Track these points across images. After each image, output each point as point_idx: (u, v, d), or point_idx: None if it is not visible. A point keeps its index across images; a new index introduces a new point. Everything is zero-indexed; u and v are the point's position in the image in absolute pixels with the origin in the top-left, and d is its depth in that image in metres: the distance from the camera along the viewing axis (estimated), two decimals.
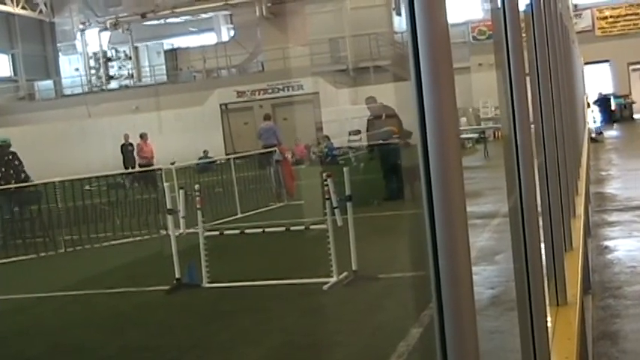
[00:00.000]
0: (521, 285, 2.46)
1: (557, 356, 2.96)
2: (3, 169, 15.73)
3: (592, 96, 36.69)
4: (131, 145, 26.56)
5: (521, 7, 3.71)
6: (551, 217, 3.64)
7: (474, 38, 39.13)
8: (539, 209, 3.72)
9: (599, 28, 40.65)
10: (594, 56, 36.42)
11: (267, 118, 22.74)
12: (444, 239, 1.19)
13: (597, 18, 40.69)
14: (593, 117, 33.33)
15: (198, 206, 10.18)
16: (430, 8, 1.17)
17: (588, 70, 34.65)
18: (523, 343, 2.48)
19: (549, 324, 3.37)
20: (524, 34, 3.74)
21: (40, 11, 47.83)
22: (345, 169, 9.67)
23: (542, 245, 3.73)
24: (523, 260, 2.45)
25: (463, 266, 1.20)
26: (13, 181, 15.52)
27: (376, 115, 16.51)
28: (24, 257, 13.79)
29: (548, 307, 3.63)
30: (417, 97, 1.18)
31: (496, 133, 28.56)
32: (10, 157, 16.00)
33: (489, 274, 8.34)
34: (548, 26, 4.92)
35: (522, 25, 3.91)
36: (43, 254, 13.95)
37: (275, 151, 19.07)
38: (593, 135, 26.92)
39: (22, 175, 15.87)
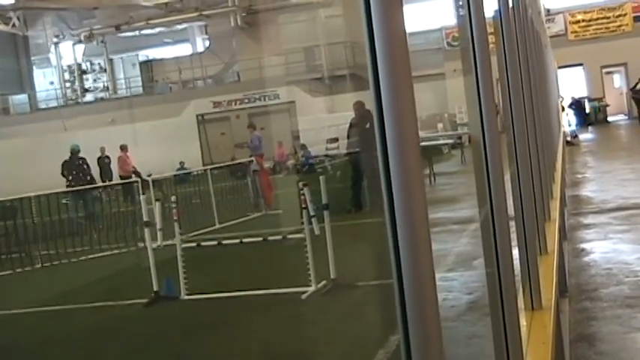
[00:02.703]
0: (494, 290, 2.46)
1: None
2: (74, 172, 18.06)
3: (567, 99, 36.94)
4: (107, 157, 26.40)
5: (490, 13, 3.73)
6: (524, 221, 3.65)
7: (448, 44, 39.27)
8: (513, 214, 3.74)
9: (571, 32, 40.94)
10: (568, 60, 36.71)
11: (252, 127, 22.40)
12: (407, 248, 1.18)
13: (570, 22, 40.98)
14: (568, 120, 33.54)
15: (175, 218, 10.14)
16: (388, 16, 1.17)
17: (562, 73, 34.90)
18: (497, 348, 2.48)
19: (524, 328, 3.38)
20: (493, 41, 3.77)
21: (13, 25, 47.46)
22: (321, 177, 9.67)
23: (516, 250, 3.76)
24: (495, 265, 2.45)
25: (426, 275, 1.19)
26: (83, 183, 17.82)
27: (356, 123, 16.46)
28: (0, 273, 13.66)
29: (523, 312, 3.64)
30: (376, 107, 1.18)
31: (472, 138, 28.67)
32: (81, 161, 18.51)
33: (467, 280, 8.36)
34: (519, 31, 4.94)
35: (491, 30, 3.93)
36: (19, 270, 13.82)
37: (252, 161, 19.03)
38: (569, 138, 27.11)
39: (89, 178, 18.40)
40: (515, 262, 3.77)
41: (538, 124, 6.40)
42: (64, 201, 17.12)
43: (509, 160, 3.66)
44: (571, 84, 39.31)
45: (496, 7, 3.62)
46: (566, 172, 16.11)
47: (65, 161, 18.80)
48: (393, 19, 1.17)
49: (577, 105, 38.67)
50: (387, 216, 1.18)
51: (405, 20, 1.18)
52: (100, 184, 20.15)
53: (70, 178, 18.17)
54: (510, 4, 4.72)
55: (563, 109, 31.66)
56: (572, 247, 9.36)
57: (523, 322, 3.50)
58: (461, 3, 2.48)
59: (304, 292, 8.82)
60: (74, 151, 18.65)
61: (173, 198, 10.65)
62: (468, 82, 2.43)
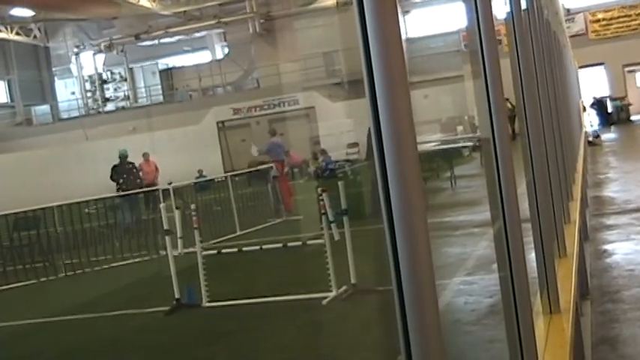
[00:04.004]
0: (507, 294, 2.44)
1: None
2: (124, 176, 18.72)
3: (588, 99, 36.69)
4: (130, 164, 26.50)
5: (503, 15, 3.71)
6: (540, 224, 3.63)
7: (466, 46, 39.14)
8: (529, 217, 3.71)
9: (592, 32, 40.67)
10: (589, 60, 36.46)
11: (273, 133, 22.43)
12: (406, 257, 1.17)
13: (590, 21, 40.72)
14: (590, 120, 33.30)
15: (195, 226, 10.16)
16: (382, 21, 1.16)
17: (583, 73, 34.68)
18: (511, 352, 2.46)
19: (542, 332, 3.35)
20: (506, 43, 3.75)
21: (35, 36, 47.91)
22: (340, 183, 9.65)
23: (533, 253, 3.73)
24: (508, 269, 2.44)
25: (427, 284, 1.18)
26: (133, 186, 18.42)
27: None
28: (24, 283, 13.74)
29: (541, 316, 3.62)
30: (372, 113, 1.17)
31: None
32: (130, 166, 19.19)
33: (487, 283, 8.31)
34: (534, 33, 4.92)
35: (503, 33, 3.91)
36: (43, 279, 13.91)
37: (272, 167, 19.02)
38: (590, 138, 26.91)
39: (138, 181, 19.03)
40: (533, 265, 3.75)
41: (556, 125, 6.36)
42: (86, 210, 17.23)
43: (525, 163, 3.63)
44: (592, 84, 39.04)
45: (508, 10, 3.60)
46: (588, 172, 15.99)
47: (115, 166, 19.33)
48: (387, 26, 1.16)
49: (599, 105, 38.39)
50: (386, 224, 1.17)
51: (399, 26, 1.17)
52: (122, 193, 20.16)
53: (121, 181, 18.81)
54: (524, 6, 4.70)
55: (584, 109, 31.45)
56: (594, 248, 9.28)
57: (541, 325, 3.48)
58: (470, 6, 2.46)
59: (325, 298, 8.81)
60: (123, 156, 19.29)
61: (193, 206, 10.67)
62: (477, 85, 2.42)
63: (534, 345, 2.53)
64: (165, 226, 10.36)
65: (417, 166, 1.16)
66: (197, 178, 27.13)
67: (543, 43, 6.01)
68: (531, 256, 3.79)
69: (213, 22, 44.32)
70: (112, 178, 19.26)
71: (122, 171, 19.07)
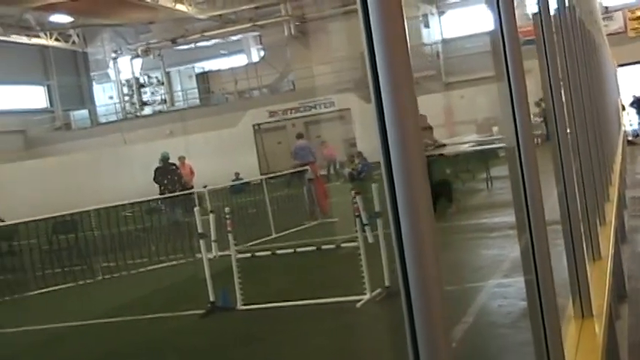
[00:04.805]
0: (533, 298, 2.41)
1: None
2: (168, 177, 19.11)
3: (628, 98, 36.16)
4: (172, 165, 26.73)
5: (530, 15, 3.67)
6: (571, 226, 3.57)
7: None
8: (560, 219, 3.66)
9: (631, 29, 40.10)
10: (628, 58, 35.93)
11: (300, 136, 22.71)
12: (413, 261, 1.15)
13: (629, 19, 40.14)
14: (630, 119, 32.85)
15: (228, 229, 10.20)
16: (388, 25, 1.14)
17: (622, 72, 34.21)
18: (537, 357, 2.42)
19: (573, 337, 3.30)
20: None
21: (73, 42, 48.45)
22: (373, 185, 9.63)
23: (564, 256, 3.68)
24: (533, 272, 2.40)
25: (433, 288, 1.16)
26: (177, 188, 18.92)
27: None
28: (63, 286, 13.88)
29: (573, 320, 3.56)
30: (378, 118, 1.15)
31: (535, 140, 28.31)
32: (173, 167, 19.76)
33: (522, 286, 8.21)
34: (565, 33, 4.85)
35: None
36: (81, 282, 14.05)
37: (307, 169, 19.04)
38: (630, 138, 26.55)
39: (182, 181, 19.54)
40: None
41: (590, 125, 6.28)
42: (123, 214, 17.39)
43: (555, 166, 3.58)
44: (632, 82, 38.48)
45: (536, 10, 3.56)
46: (627, 172, 15.77)
47: (158, 167, 19.66)
48: (393, 30, 1.14)
49: (638, 103, 37.84)
50: (393, 227, 1.15)
51: (405, 28, 1.15)
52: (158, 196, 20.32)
53: (165, 182, 19.12)
54: (555, 5, 4.65)
55: (623, 108, 31.03)
56: (633, 250, 9.15)
57: (573, 330, 3.43)
58: (492, 8, 2.43)
59: (359, 301, 8.79)
60: (165, 158, 19.71)
61: (227, 209, 10.70)
62: (501, 89, 2.38)
63: (562, 350, 2.48)
64: (200, 230, 10.40)
65: (424, 172, 1.14)
66: (233, 180, 27.24)
67: (576, 42, 5.93)
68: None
69: (248, 25, 44.48)
70: (155, 180, 19.49)
71: (165, 173, 19.42)
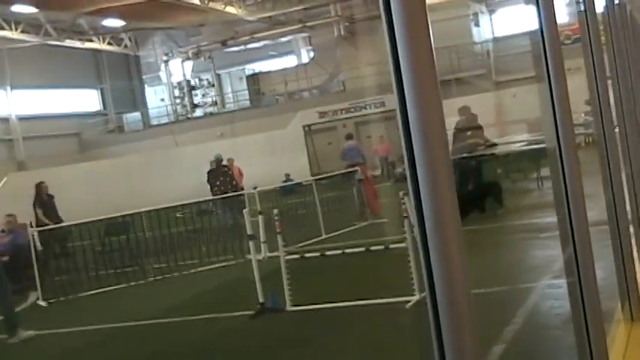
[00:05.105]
0: (575, 301, 2.36)
1: None
2: (221, 179, 19.36)
3: None
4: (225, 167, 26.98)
5: (573, 14, 3.61)
6: (619, 228, 3.51)
7: (562, 43, 38.34)
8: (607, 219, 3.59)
9: None
10: None
11: (349, 137, 22.66)
12: (439, 263, 1.14)
13: None
14: None
15: (277, 230, 10.22)
16: (412, 29, 1.13)
17: None
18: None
19: (622, 341, 3.24)
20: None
21: (125, 46, 49.14)
22: None
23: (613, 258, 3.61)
24: (575, 274, 2.36)
25: (460, 290, 1.14)
26: (230, 189, 19.12)
27: (462, 128, 16.31)
28: (115, 287, 14.06)
29: (622, 324, 3.50)
30: (402, 122, 1.14)
31: (587, 139, 27.83)
32: (226, 169, 20.07)
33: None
34: (614, 30, 4.77)
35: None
36: (133, 283, 14.21)
37: (357, 170, 19.00)
38: None
39: (234, 183, 19.74)
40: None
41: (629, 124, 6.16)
42: (178, 214, 17.58)
43: (601, 165, 3.52)
44: None
45: (582, 8, 3.50)
46: None
47: (211, 170, 20.02)
48: (417, 34, 1.13)
49: None
50: (418, 230, 1.14)
51: (429, 34, 1.13)
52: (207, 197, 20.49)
53: (218, 183, 19.33)
54: (604, 2, 4.57)
55: None
56: None
57: (622, 333, 3.37)
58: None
59: (408, 302, 8.75)
60: (218, 160, 20.02)
61: (275, 211, 10.72)
62: (542, 90, 2.35)
63: (605, 353, 2.43)
64: (249, 231, 10.45)
65: (449, 176, 1.13)
66: (284, 182, 27.33)
67: (627, 39, 5.83)
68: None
69: (298, 26, 44.60)
70: (208, 181, 19.72)
71: (218, 174, 19.64)
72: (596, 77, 3.50)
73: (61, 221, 17.31)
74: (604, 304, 4.51)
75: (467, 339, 1.13)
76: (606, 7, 4.69)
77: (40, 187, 18.13)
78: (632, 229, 4.42)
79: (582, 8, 3.46)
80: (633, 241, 4.38)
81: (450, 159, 1.14)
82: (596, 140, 5.18)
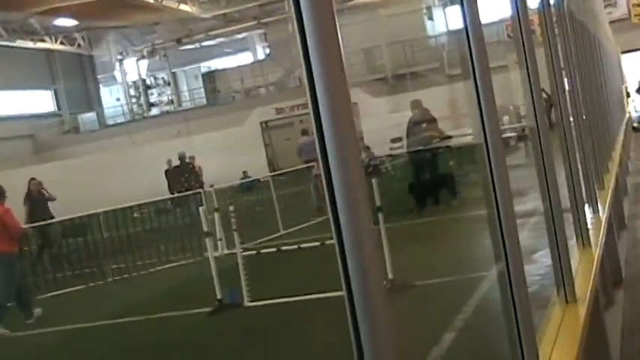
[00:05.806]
0: (504, 285, 2.51)
1: (558, 354, 3.00)
2: (186, 175, 19.95)
3: (633, 84, 36.05)
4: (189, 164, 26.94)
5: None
6: (553, 215, 3.67)
7: (508, 36, 38.79)
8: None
9: (635, 15, 39.87)
10: (632, 44, 35.83)
11: (305, 133, 22.78)
12: (354, 261, 1.25)
13: (632, 5, 39.99)
14: (635, 106, 32.76)
15: (234, 227, 10.31)
16: (320, 27, 1.23)
17: (627, 58, 34.12)
18: (511, 344, 2.53)
19: (556, 322, 3.41)
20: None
21: (79, 45, 48.65)
22: (373, 180, 9.72)
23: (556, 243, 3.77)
24: (504, 261, 2.50)
25: (375, 283, 1.26)
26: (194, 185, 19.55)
27: (416, 121, 16.47)
28: (74, 288, 14.02)
29: (557, 306, 3.66)
30: (315, 119, 1.25)
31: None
32: (191, 166, 20.56)
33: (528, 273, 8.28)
34: (558, 25, 4.94)
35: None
36: (91, 284, 14.18)
37: (314, 165, 19.11)
38: (635, 124, 26.52)
39: (199, 178, 20.28)
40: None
41: (585, 113, 6.36)
42: (135, 214, 17.53)
43: (535, 155, 3.68)
44: (637, 68, 38.33)
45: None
46: (631, 159, 15.80)
47: (173, 167, 20.63)
48: (325, 31, 1.23)
49: None
50: (333, 228, 1.25)
51: (337, 31, 1.24)
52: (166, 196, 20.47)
53: (182, 180, 19.86)
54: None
55: (628, 94, 30.96)
56: (632, 236, 9.21)
57: (557, 315, 3.53)
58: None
59: None
60: (182, 157, 20.37)
61: (231, 208, 10.81)
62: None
63: (533, 337, 2.58)
64: (206, 229, 10.52)
65: (360, 176, 1.24)
66: (242, 179, 27.36)
67: (569, 33, 6.01)
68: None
69: (253, 23, 44.57)
70: (173, 178, 19.83)
71: (184, 171, 20.10)
72: (553, 69, 3.67)
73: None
74: (547, 290, 4.70)
75: (383, 335, 1.25)
76: (556, 2, 4.88)
77: (29, 184, 17.74)
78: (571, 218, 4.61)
79: (540, 1, 3.62)
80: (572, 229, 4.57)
81: (360, 158, 1.26)
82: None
